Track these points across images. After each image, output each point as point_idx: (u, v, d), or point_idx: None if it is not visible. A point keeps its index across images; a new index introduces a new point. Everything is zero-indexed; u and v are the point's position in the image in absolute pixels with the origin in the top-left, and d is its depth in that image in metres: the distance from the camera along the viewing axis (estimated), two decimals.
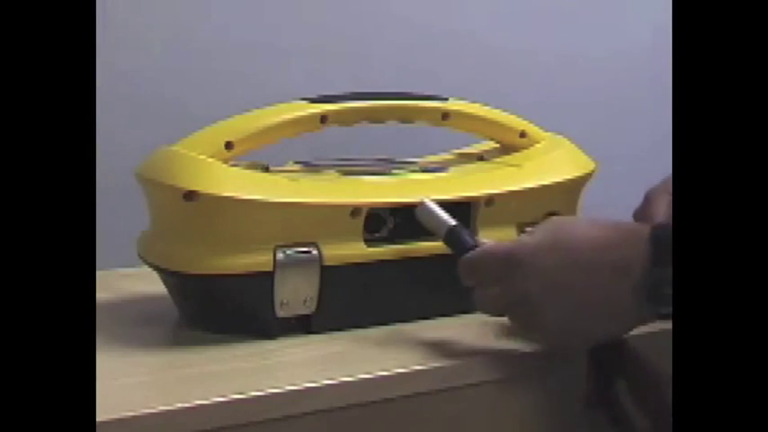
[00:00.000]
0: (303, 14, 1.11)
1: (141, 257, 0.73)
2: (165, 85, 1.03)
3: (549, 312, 0.66)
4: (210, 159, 0.70)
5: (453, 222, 0.73)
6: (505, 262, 0.68)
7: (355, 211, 0.73)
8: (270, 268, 0.70)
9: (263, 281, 0.70)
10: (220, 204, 0.69)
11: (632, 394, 0.69)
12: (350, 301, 0.74)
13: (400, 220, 0.76)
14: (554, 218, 0.72)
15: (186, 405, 0.59)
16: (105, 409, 0.56)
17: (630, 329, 0.67)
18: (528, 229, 0.73)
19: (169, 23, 1.03)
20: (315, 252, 0.71)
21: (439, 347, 0.71)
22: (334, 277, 0.72)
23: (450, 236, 0.72)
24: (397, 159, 0.85)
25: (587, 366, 0.70)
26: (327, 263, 0.71)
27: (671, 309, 0.61)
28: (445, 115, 0.83)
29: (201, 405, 0.59)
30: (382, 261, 0.74)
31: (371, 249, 0.74)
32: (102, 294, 0.73)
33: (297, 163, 0.81)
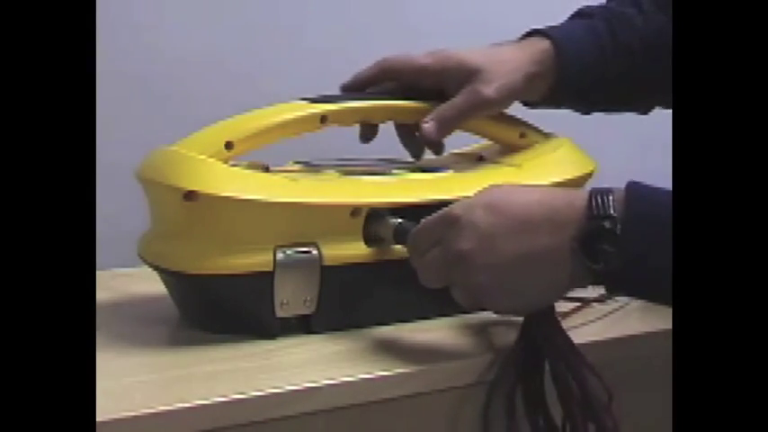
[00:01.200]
0: (303, 14, 1.11)
1: (141, 257, 0.73)
2: (165, 85, 1.03)
3: (486, 272, 0.65)
4: (210, 159, 0.70)
5: (399, 221, 0.73)
6: (442, 221, 0.67)
7: (355, 211, 0.73)
8: (270, 268, 0.70)
9: (263, 281, 0.70)
10: (220, 204, 0.69)
11: (553, 376, 0.67)
12: (350, 301, 0.74)
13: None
14: (490, 185, 0.71)
15: (186, 405, 0.59)
16: (105, 409, 0.56)
17: (567, 290, 0.67)
18: None
19: (169, 23, 1.03)
20: (315, 252, 0.71)
21: (439, 347, 0.71)
22: (334, 277, 0.72)
23: (397, 233, 0.72)
24: (398, 159, 0.85)
25: (516, 342, 0.69)
26: (327, 263, 0.71)
27: (604, 265, 0.62)
28: None
29: (201, 405, 0.59)
30: (382, 261, 0.74)
31: (371, 249, 0.74)
32: (102, 294, 0.73)
33: (297, 163, 0.81)
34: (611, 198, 0.63)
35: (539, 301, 0.67)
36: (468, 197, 0.70)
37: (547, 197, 0.66)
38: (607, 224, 0.62)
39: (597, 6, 0.90)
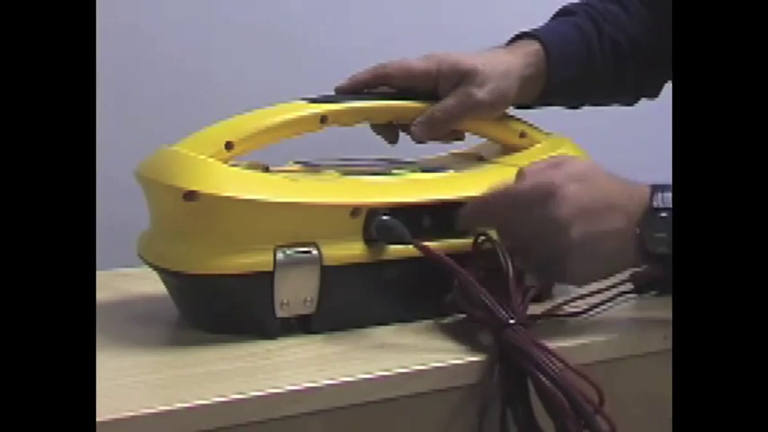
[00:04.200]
0: (303, 14, 1.11)
1: (141, 257, 0.73)
2: (166, 85, 1.03)
3: (574, 236, 0.69)
4: (210, 159, 0.70)
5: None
6: (540, 190, 0.70)
7: (355, 210, 0.73)
8: (270, 268, 0.70)
9: (263, 281, 0.70)
10: (220, 204, 0.69)
11: (538, 392, 0.66)
12: (350, 301, 0.74)
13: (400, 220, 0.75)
14: (563, 156, 0.77)
15: (186, 405, 0.59)
16: (105, 409, 0.56)
17: (625, 268, 0.76)
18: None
19: (170, 23, 1.03)
20: (315, 252, 0.71)
21: (439, 347, 0.71)
22: (334, 277, 0.72)
23: (379, 229, 0.73)
24: (398, 159, 0.85)
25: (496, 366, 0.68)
26: (327, 263, 0.71)
27: (663, 250, 0.69)
28: None
29: (201, 405, 0.59)
30: (382, 261, 0.74)
31: (371, 249, 0.74)
32: (102, 294, 0.73)
33: (297, 163, 0.81)
34: (668, 194, 0.70)
35: (608, 272, 0.74)
36: (468, 199, 0.70)
37: (618, 180, 0.72)
38: (664, 215, 0.69)
39: (579, 3, 0.91)
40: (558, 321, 0.77)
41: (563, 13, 0.91)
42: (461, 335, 0.74)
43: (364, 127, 0.83)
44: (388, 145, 0.86)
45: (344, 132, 0.81)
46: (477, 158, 0.88)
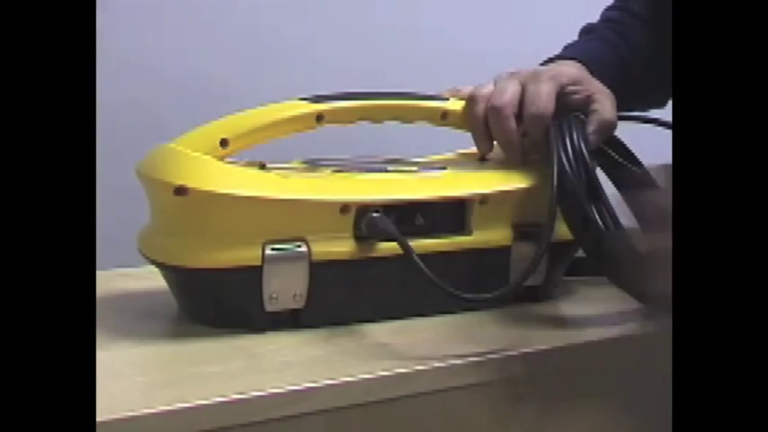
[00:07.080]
0: (302, 14, 1.11)
1: (140, 252, 0.74)
2: (166, 85, 1.03)
3: None
4: (204, 156, 0.71)
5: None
6: None
7: (345, 207, 0.73)
8: (259, 263, 0.70)
9: (252, 275, 0.70)
10: (209, 199, 0.69)
11: None
12: (340, 296, 0.74)
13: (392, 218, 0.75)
14: None
15: (186, 405, 0.59)
16: (105, 409, 0.56)
17: None
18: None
19: (170, 24, 1.03)
20: (303, 248, 0.71)
21: (439, 347, 0.71)
22: (323, 273, 0.72)
23: (369, 225, 0.73)
24: (403, 159, 0.85)
25: None
26: (316, 259, 0.72)
27: None
28: (444, 115, 0.83)
29: (201, 405, 0.59)
30: (372, 258, 0.74)
31: (362, 246, 0.74)
32: (102, 294, 0.72)
33: (303, 163, 0.82)
34: None
35: None
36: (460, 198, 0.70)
37: None
38: None
39: (598, 22, 0.97)
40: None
41: (586, 31, 0.96)
42: (462, 334, 0.74)
43: (370, 127, 0.83)
44: (395, 145, 0.86)
45: (348, 132, 0.81)
46: (479, 158, 0.88)
